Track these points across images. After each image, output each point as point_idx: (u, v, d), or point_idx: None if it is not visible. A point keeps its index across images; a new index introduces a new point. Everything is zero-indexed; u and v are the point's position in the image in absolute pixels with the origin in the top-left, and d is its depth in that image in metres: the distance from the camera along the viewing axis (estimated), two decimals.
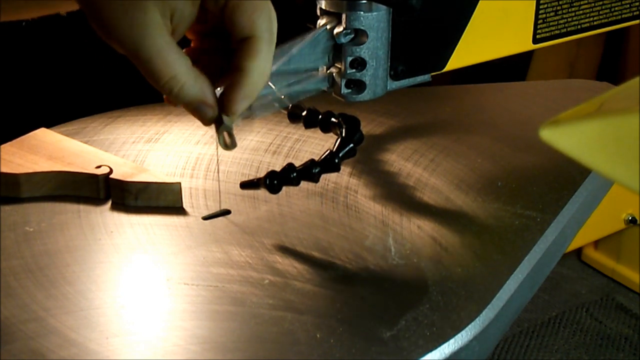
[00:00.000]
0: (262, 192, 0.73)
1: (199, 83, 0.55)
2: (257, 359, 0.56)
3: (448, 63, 0.80)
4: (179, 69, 0.53)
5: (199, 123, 0.79)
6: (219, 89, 0.58)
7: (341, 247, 0.68)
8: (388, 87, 0.77)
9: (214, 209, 0.73)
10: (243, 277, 0.64)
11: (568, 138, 0.43)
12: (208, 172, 0.80)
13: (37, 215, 0.71)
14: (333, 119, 0.74)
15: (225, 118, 0.57)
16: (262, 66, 0.56)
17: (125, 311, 0.60)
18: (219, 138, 0.59)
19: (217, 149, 0.82)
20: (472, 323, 0.60)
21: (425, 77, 0.80)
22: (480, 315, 0.61)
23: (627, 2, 0.90)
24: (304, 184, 0.71)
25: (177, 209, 0.73)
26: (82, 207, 0.73)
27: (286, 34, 0.71)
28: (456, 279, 0.65)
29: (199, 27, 0.60)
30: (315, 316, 0.60)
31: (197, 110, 0.56)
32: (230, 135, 0.59)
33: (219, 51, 0.60)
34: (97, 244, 0.68)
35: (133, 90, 0.91)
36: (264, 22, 0.55)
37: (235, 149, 0.62)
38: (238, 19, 0.54)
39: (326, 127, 0.75)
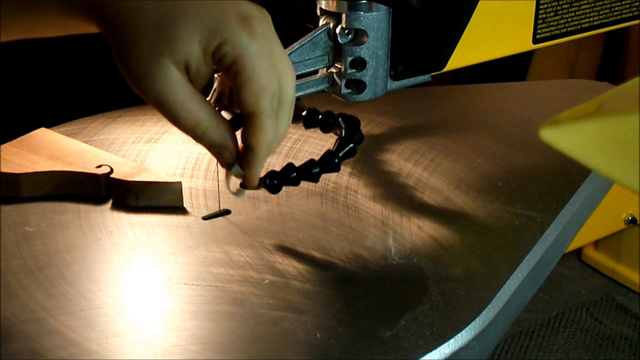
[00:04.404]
0: (262, 192, 0.73)
1: (221, 129, 0.59)
2: (257, 359, 0.56)
3: (448, 63, 0.80)
4: (202, 116, 0.57)
5: None
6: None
7: (341, 247, 0.68)
8: (388, 87, 0.77)
9: (214, 209, 0.73)
10: (243, 277, 0.64)
11: (568, 138, 0.43)
12: (208, 172, 0.79)
13: (37, 215, 0.71)
14: (333, 119, 0.74)
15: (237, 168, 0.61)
16: (268, 140, 0.59)
17: (125, 311, 0.60)
18: (227, 180, 0.63)
19: None
20: (472, 323, 0.60)
21: (425, 77, 0.80)
22: (480, 315, 0.61)
23: (627, 2, 0.90)
24: (304, 184, 0.71)
25: (177, 209, 0.73)
26: (82, 207, 0.73)
27: (286, 34, 0.71)
28: (456, 279, 0.65)
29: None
30: (315, 316, 0.60)
31: (218, 154, 0.60)
32: (240, 191, 0.64)
33: None
34: (97, 244, 0.68)
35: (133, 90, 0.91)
36: (267, 100, 0.57)
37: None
38: (244, 96, 0.57)
39: (326, 127, 0.75)
